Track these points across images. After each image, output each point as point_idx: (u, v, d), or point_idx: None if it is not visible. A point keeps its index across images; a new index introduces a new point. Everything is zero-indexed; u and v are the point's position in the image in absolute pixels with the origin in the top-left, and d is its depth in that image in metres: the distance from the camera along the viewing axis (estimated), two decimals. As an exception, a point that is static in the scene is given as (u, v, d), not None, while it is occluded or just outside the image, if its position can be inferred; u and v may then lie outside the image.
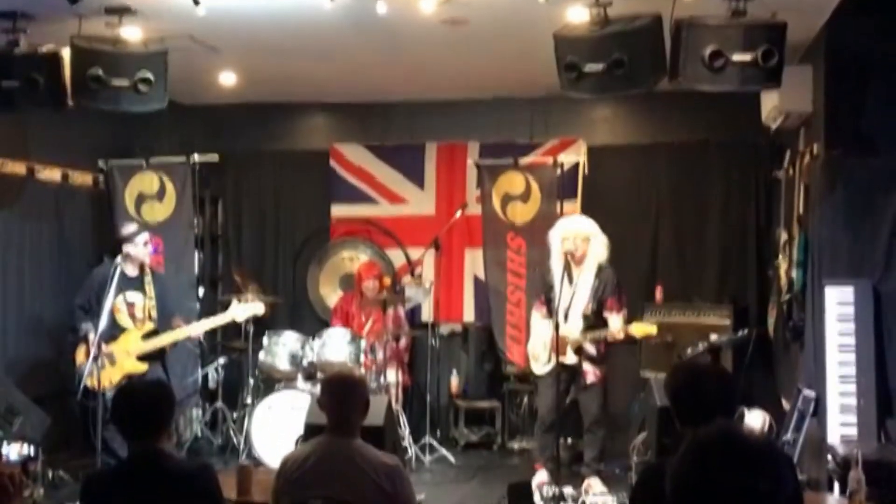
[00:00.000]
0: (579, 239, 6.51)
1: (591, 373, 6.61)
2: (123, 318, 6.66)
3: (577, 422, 6.96)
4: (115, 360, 6.55)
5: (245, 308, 7.02)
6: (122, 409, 3.38)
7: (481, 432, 8.33)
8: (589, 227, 6.63)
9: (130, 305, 6.69)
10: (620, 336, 6.48)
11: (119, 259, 6.47)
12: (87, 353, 6.29)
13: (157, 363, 6.73)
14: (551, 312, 6.51)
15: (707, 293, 8.10)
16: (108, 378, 6.44)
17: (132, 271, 6.71)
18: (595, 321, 6.54)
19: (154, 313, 6.74)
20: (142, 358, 6.63)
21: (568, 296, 6.49)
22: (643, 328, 6.49)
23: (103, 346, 6.36)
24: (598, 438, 6.75)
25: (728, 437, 1.97)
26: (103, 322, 6.21)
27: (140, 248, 6.70)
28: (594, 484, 6.65)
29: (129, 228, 6.87)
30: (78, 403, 6.58)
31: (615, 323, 6.48)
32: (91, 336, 6.26)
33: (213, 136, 8.85)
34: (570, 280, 6.51)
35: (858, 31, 5.67)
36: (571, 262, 6.47)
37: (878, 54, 5.68)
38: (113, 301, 6.38)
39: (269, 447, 6.96)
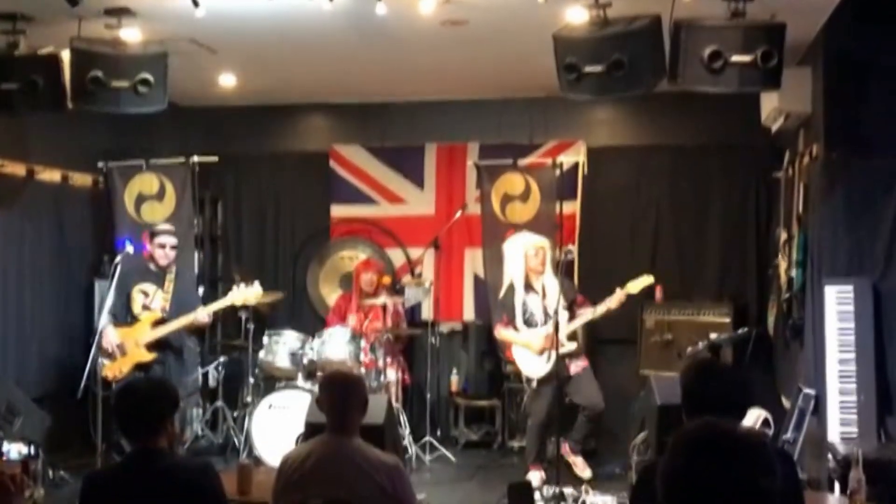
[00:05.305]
0: (545, 251, 6.92)
1: (574, 364, 6.85)
2: (137, 308, 6.87)
3: (575, 420, 7.04)
4: (125, 350, 6.73)
5: (244, 292, 7.03)
6: (123, 408, 3.37)
7: (481, 431, 8.34)
8: (543, 239, 7.05)
9: (146, 296, 6.88)
10: (616, 300, 6.71)
11: (120, 254, 6.92)
12: (101, 347, 6.69)
13: (168, 354, 6.86)
14: (517, 327, 6.97)
15: (707, 292, 8.12)
16: (118, 368, 6.70)
17: (153, 266, 6.96)
18: (572, 315, 6.91)
19: (167, 306, 6.88)
20: (150, 347, 6.77)
21: (539, 301, 6.87)
22: (638, 283, 6.75)
23: (115, 338, 6.69)
24: (587, 427, 6.98)
25: (717, 432, 1.96)
26: (104, 318, 6.69)
27: (155, 249, 6.95)
28: (579, 463, 6.96)
29: (161, 226, 7.17)
30: (83, 393, 6.73)
31: (594, 308, 6.82)
32: (106, 330, 6.71)
33: (213, 137, 8.85)
34: (534, 288, 6.92)
35: (857, 33, 5.67)
36: (532, 273, 6.92)
37: (876, 56, 5.68)
38: (130, 291, 6.83)
39: (270, 446, 6.98)
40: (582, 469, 7.00)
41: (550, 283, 6.84)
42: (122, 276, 6.87)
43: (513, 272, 7.05)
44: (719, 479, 1.88)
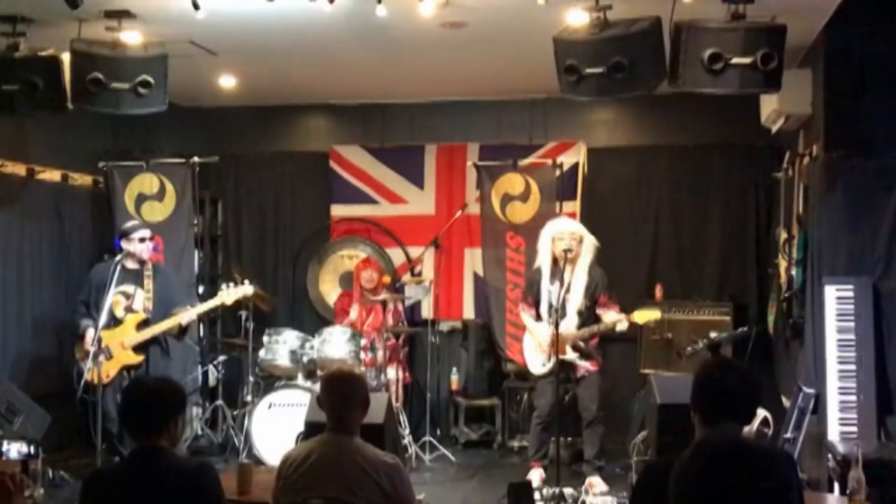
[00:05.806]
0: (574, 240, 6.65)
1: (583, 367, 6.73)
2: (120, 311, 6.72)
3: (576, 420, 7.00)
4: (111, 354, 6.61)
5: (233, 291, 6.96)
6: (128, 406, 3.38)
7: (481, 430, 8.34)
8: (580, 227, 6.81)
9: (128, 298, 6.72)
10: (622, 325, 6.58)
11: (119, 255, 6.66)
12: (85, 350, 6.43)
13: (155, 352, 6.75)
14: (540, 315, 6.77)
15: (707, 291, 8.14)
16: (105, 372, 6.52)
17: (132, 265, 6.78)
18: (588, 317, 6.69)
19: (150, 305, 6.76)
20: (137, 349, 6.67)
21: (560, 295, 6.56)
22: (646, 314, 6.65)
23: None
24: (598, 435, 6.82)
25: (735, 443, 1.98)
26: (103, 318, 6.38)
27: (136, 244, 6.77)
28: (596, 483, 6.70)
29: (129, 223, 7.02)
30: (78, 400, 6.58)
31: (612, 315, 6.61)
32: (89, 333, 6.47)
33: (214, 138, 8.86)
34: (562, 280, 6.63)
35: (857, 35, 5.69)
36: (562, 261, 6.62)
37: (876, 57, 5.70)
38: (112, 294, 6.51)
39: (270, 445, 6.99)
40: (597, 490, 6.62)
41: (579, 277, 6.63)
42: (97, 283, 6.69)
43: (541, 257, 6.84)
44: (736, 490, 1.89)
